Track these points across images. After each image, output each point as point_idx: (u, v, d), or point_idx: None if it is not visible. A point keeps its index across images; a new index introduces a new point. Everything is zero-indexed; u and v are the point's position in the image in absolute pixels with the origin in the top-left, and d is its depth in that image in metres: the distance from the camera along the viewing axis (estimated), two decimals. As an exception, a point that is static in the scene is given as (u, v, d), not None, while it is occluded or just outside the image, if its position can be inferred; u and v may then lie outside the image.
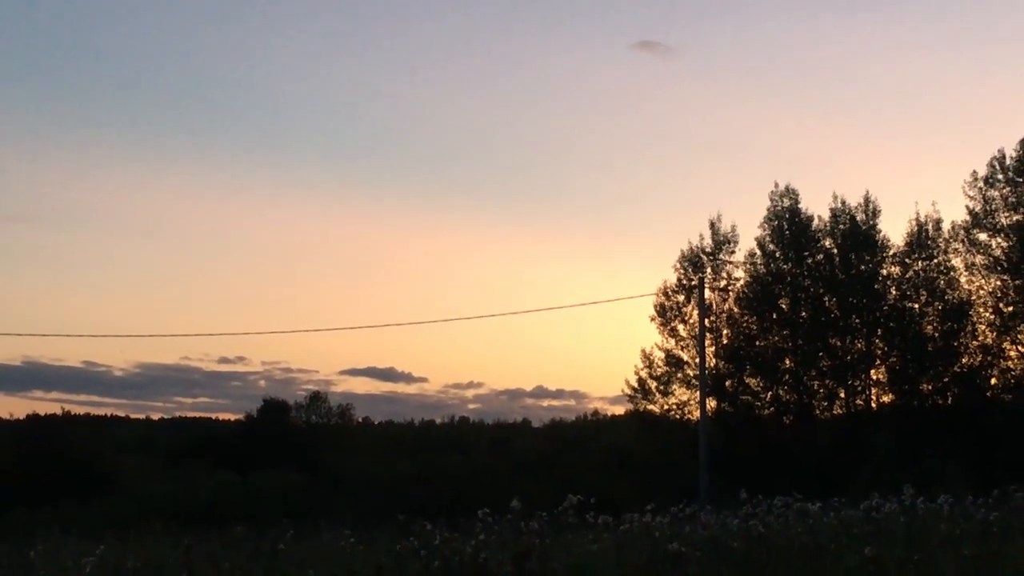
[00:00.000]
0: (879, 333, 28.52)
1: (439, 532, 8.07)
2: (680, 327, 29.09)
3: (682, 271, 29.53)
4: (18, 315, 78.10)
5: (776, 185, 29.61)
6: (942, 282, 28.03)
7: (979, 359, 27.49)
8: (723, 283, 29.57)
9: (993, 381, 27.74)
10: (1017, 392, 26.95)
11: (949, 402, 27.48)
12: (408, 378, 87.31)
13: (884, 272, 28.68)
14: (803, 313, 28.96)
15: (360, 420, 53.31)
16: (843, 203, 29.07)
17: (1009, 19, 75.53)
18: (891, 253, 28.66)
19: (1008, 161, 27.39)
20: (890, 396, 28.66)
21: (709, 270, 29.37)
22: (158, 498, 28.52)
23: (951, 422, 26.49)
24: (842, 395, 28.63)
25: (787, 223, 29.13)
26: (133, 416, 70.55)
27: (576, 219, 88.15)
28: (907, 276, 28.41)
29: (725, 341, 29.27)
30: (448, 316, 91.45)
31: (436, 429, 61.36)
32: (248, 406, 66.53)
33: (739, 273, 29.62)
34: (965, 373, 27.32)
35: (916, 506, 9.37)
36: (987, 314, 27.57)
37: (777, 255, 29.13)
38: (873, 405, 28.86)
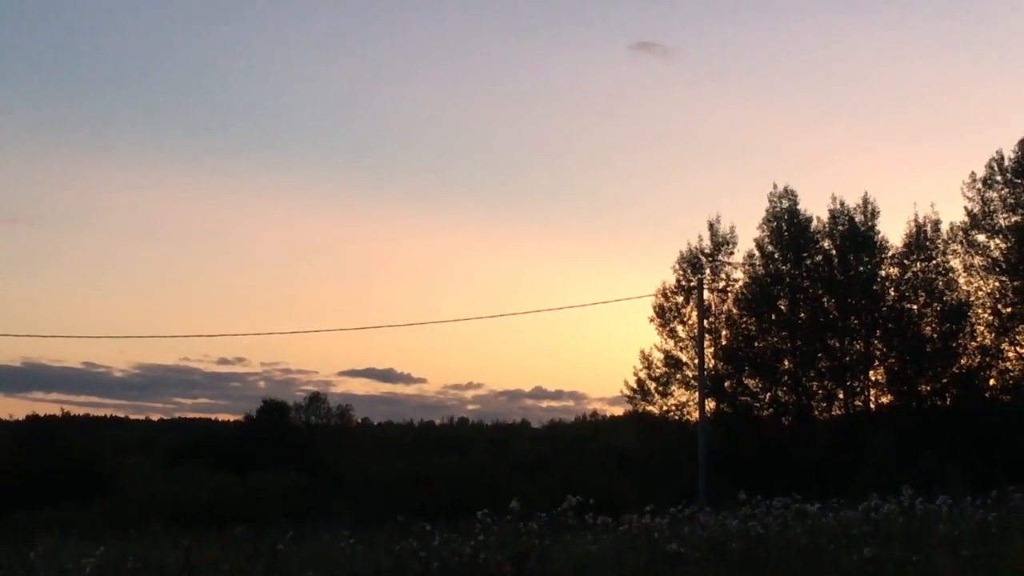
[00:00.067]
0: (878, 334, 28.54)
1: (438, 533, 8.09)
2: (679, 328, 29.11)
3: (681, 272, 29.56)
4: (18, 316, 78.21)
5: (775, 186, 29.67)
6: (941, 283, 28.06)
7: (978, 360, 27.51)
8: (722, 284, 29.60)
9: (992, 382, 27.76)
10: (1015, 393, 26.97)
11: (948, 403, 27.49)
12: (407, 379, 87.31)
13: (883, 273, 28.69)
14: (802, 314, 28.97)
15: (359, 421, 53.33)
16: (842, 204, 29.11)
17: (1007, 21, 75.72)
18: (890, 254, 28.67)
19: (1006, 162, 27.43)
20: (889, 397, 28.68)
21: (708, 271, 29.39)
22: (158, 499, 28.49)
23: (950, 423, 26.49)
24: (841, 396, 28.64)
25: (786, 224, 29.14)
26: (133, 417, 70.62)
27: (575, 220, 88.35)
28: (906, 277, 28.43)
29: (724, 342, 29.27)
30: (447, 317, 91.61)
31: (435, 430, 61.39)
32: (247, 407, 66.47)
33: (738, 274, 29.67)
34: (964, 374, 27.34)
35: (915, 507, 9.41)
36: (986, 315, 27.59)
37: (776, 256, 29.14)
38: (872, 406, 28.88)
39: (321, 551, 9.92)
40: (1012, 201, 27.26)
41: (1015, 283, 26.97)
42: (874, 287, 28.35)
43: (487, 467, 36.49)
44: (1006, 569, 7.39)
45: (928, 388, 27.73)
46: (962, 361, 27.54)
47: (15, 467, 33.92)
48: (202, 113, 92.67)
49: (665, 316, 29.26)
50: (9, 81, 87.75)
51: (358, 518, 15.64)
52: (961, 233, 27.77)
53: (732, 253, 29.58)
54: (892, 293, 28.54)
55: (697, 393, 25.11)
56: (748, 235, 30.57)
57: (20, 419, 44.63)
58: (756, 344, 28.91)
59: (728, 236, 29.57)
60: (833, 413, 28.68)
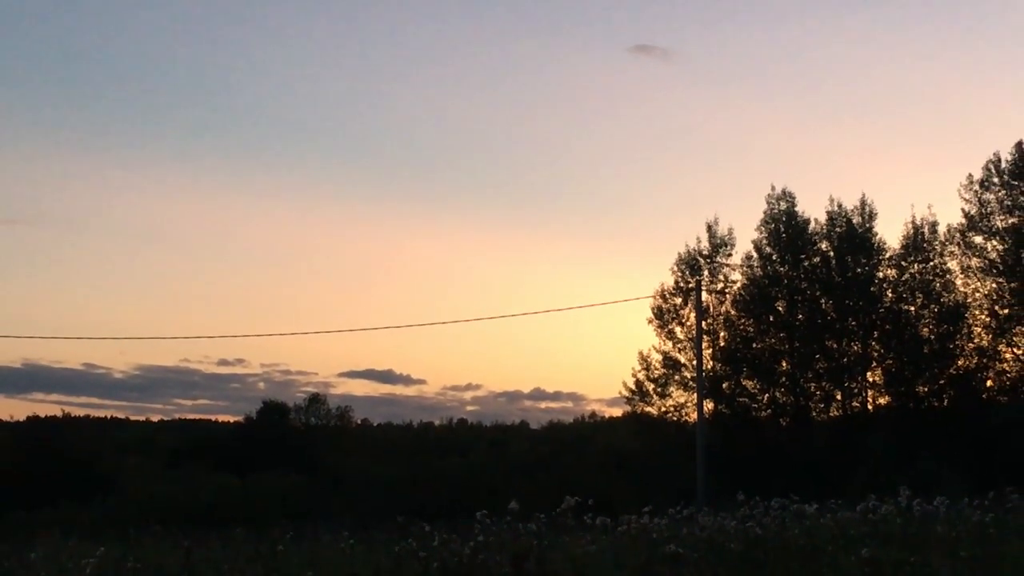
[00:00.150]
0: (875, 336, 28.60)
1: (438, 533, 8.11)
2: (677, 329, 29.18)
3: (679, 274, 29.62)
4: (18, 317, 78.22)
5: (773, 188, 29.76)
6: (938, 285, 28.13)
7: (975, 361, 27.58)
8: (720, 286, 29.67)
9: (989, 383, 27.83)
10: (1013, 394, 27.03)
11: (945, 404, 27.56)
12: (407, 380, 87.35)
13: (880, 275, 28.76)
14: (800, 316, 29.03)
15: (359, 422, 53.43)
16: (839, 206, 29.20)
17: (1005, 23, 75.89)
18: (887, 256, 28.76)
19: (1003, 164, 27.51)
20: (886, 398, 28.75)
21: (706, 273, 29.46)
22: (158, 499, 28.50)
23: (947, 424, 26.55)
24: (838, 397, 28.70)
25: (784, 226, 29.21)
26: (133, 418, 70.67)
27: (574, 222, 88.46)
28: (903, 279, 28.50)
29: (722, 343, 29.33)
30: (446, 318, 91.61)
31: (434, 431, 61.48)
32: (247, 408, 66.63)
33: (736, 276, 29.75)
34: (961, 375, 27.41)
35: (912, 508, 9.42)
36: (983, 317, 27.66)
37: (774, 258, 29.21)
38: (869, 407, 28.94)
39: (321, 552, 9.93)
40: (1009, 203, 27.35)
41: (1012, 285, 27.04)
42: (872, 289, 28.41)
43: (486, 468, 36.54)
44: (1004, 570, 7.42)
45: (926, 389, 27.80)
46: (959, 362, 27.62)
47: (15, 468, 33.97)
48: (202, 114, 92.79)
49: (663, 317, 29.32)
50: (9, 82, 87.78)
51: (358, 519, 15.67)
52: (958, 235, 27.87)
53: (730, 255, 29.71)
54: (890, 295, 28.61)
55: (695, 394, 25.14)
56: (746, 237, 30.73)
57: (20, 420, 44.87)
58: (754, 345, 28.96)
59: (726, 238, 29.68)
60: (831, 414, 28.74)
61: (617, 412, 42.53)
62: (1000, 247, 27.36)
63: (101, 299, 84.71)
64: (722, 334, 29.47)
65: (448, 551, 7.38)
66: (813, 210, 29.76)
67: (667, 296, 29.41)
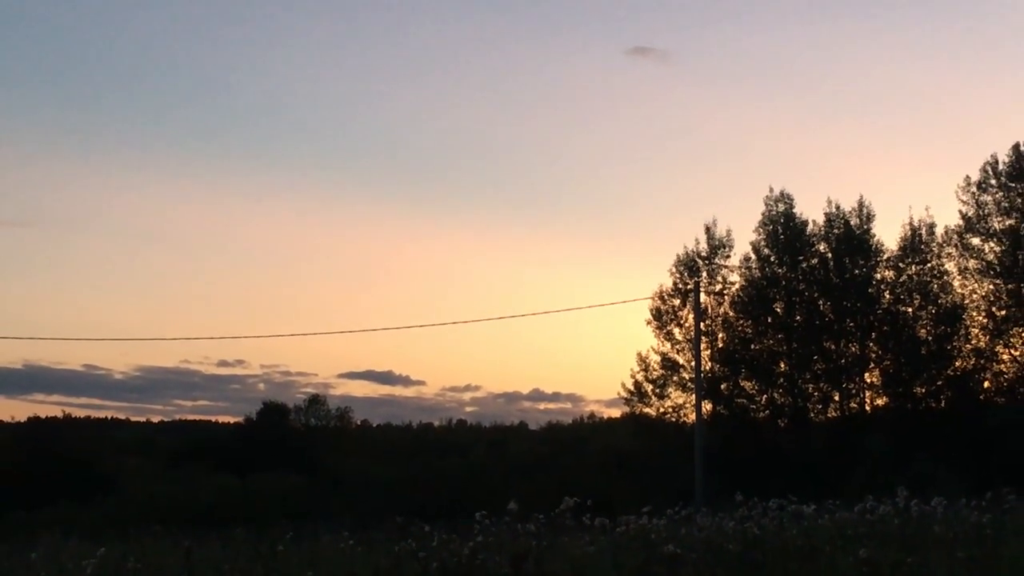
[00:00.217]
0: (873, 337, 28.67)
1: (437, 534, 8.12)
2: (676, 331, 29.23)
3: (678, 275, 29.69)
4: (19, 319, 78.28)
5: (771, 190, 29.84)
6: (935, 286, 28.21)
7: (972, 363, 27.67)
8: (718, 287, 29.73)
9: (986, 384, 27.92)
10: (1010, 395, 27.13)
11: (943, 405, 27.65)
12: (406, 381, 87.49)
13: (878, 276, 28.85)
14: (798, 317, 29.09)
15: (359, 423, 53.53)
16: (837, 208, 29.27)
17: (1002, 26, 76.07)
18: (885, 257, 28.85)
19: (1001, 166, 27.62)
20: (884, 399, 28.83)
21: (704, 274, 29.53)
22: (158, 500, 28.56)
23: (945, 425, 26.63)
24: (836, 398, 28.76)
25: (782, 228, 29.28)
26: (133, 419, 70.86)
27: (573, 223, 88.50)
28: (901, 280, 28.58)
29: (720, 345, 29.39)
30: (446, 320, 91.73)
31: (434, 432, 61.59)
32: (247, 409, 66.65)
33: (734, 277, 29.82)
34: (958, 376, 27.49)
35: (910, 508, 9.45)
36: (980, 318, 27.76)
37: (772, 259, 29.28)
38: (867, 408, 29.00)
39: (321, 552, 9.96)
40: (1006, 205, 27.45)
41: (1009, 286, 27.13)
42: (869, 290, 28.49)
43: (485, 468, 36.60)
44: (1002, 570, 7.44)
45: (923, 390, 27.88)
46: (957, 364, 27.71)
47: (16, 468, 34.08)
48: (202, 116, 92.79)
49: (662, 319, 29.37)
50: (9, 84, 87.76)
51: (357, 519, 15.68)
52: (956, 236, 27.97)
53: (728, 256, 29.77)
54: (887, 296, 28.69)
55: (694, 395, 25.19)
56: (744, 238, 30.74)
57: (21, 421, 45.09)
58: (752, 346, 29.03)
59: (724, 239, 29.75)
60: (829, 415, 28.81)
61: (616, 413, 42.58)
62: (997, 249, 27.46)
63: (101, 300, 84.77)
64: (720, 335, 29.53)
65: (447, 551, 7.40)
66: (811, 212, 29.90)
67: (666, 297, 29.50)
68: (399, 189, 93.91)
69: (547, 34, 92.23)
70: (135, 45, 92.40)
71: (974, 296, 27.86)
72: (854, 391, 28.85)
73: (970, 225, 27.71)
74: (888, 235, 32.57)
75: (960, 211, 27.87)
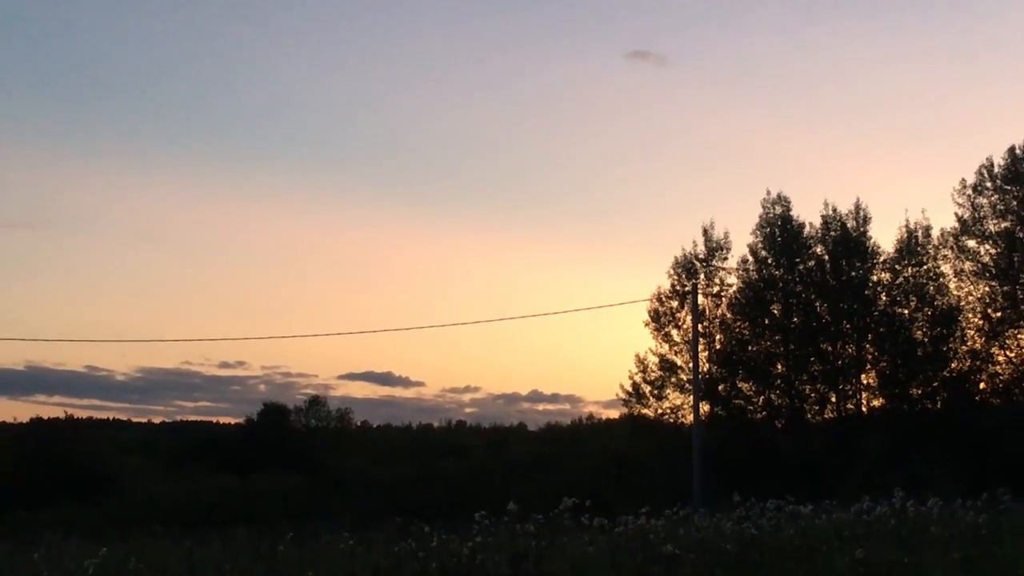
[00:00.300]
0: (869, 338, 28.76)
1: (437, 534, 8.15)
2: (674, 332, 29.30)
3: (676, 277, 29.75)
4: (21, 320, 78.28)
5: (768, 192, 29.92)
6: (931, 288, 28.31)
7: (968, 364, 27.77)
8: (716, 289, 29.80)
9: (982, 386, 28.02)
10: (1005, 396, 27.23)
11: (939, 406, 27.73)
12: (406, 382, 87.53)
13: (874, 278, 28.94)
14: (795, 318, 29.18)
15: (359, 424, 53.60)
16: (834, 210, 29.37)
17: (999, 29, 76.33)
18: (881, 260, 28.94)
19: (996, 169, 27.74)
20: (880, 400, 28.90)
21: (702, 276, 29.61)
22: (159, 500, 28.62)
23: (941, 426, 26.73)
24: (833, 399, 28.85)
25: (779, 230, 29.36)
26: (135, 420, 70.93)
27: (572, 226, 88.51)
28: (897, 282, 28.68)
29: (718, 346, 29.47)
30: (445, 321, 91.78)
31: (433, 432, 61.57)
32: (248, 410, 66.46)
33: (732, 279, 29.89)
34: (954, 378, 27.59)
35: (906, 509, 9.51)
36: (976, 319, 27.87)
37: (769, 261, 29.36)
38: (864, 409, 29.08)
39: (321, 552, 9.99)
40: (1002, 207, 27.57)
41: (1004, 288, 27.25)
42: (866, 292, 28.58)
43: (484, 469, 36.64)
44: (997, 570, 7.51)
45: (919, 392, 27.97)
46: (953, 365, 27.81)
47: (18, 469, 34.20)
48: (203, 117, 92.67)
49: (660, 320, 29.44)
50: (11, 86, 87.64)
51: (357, 519, 15.73)
52: (952, 239, 28.08)
53: (726, 258, 29.85)
54: (884, 298, 28.78)
55: (692, 396, 25.27)
56: (742, 240, 30.80)
57: (23, 422, 45.05)
58: (750, 348, 29.10)
59: (722, 241, 29.83)
60: (826, 416, 28.88)
61: (614, 414, 42.56)
62: (993, 251, 27.57)
63: (103, 302, 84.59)
64: (718, 337, 29.60)
65: (447, 552, 7.44)
66: (808, 214, 29.97)
67: (664, 299, 29.57)
68: (399, 191, 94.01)
69: (546, 37, 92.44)
70: (136, 48, 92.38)
71: (970, 298, 27.98)
72: (851, 392, 28.93)
73: (966, 227, 27.82)
74: (884, 237, 32.78)
75: (956, 214, 28.04)
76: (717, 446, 26.33)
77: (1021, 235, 27.13)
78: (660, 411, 29.42)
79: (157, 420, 73.61)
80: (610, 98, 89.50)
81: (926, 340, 27.97)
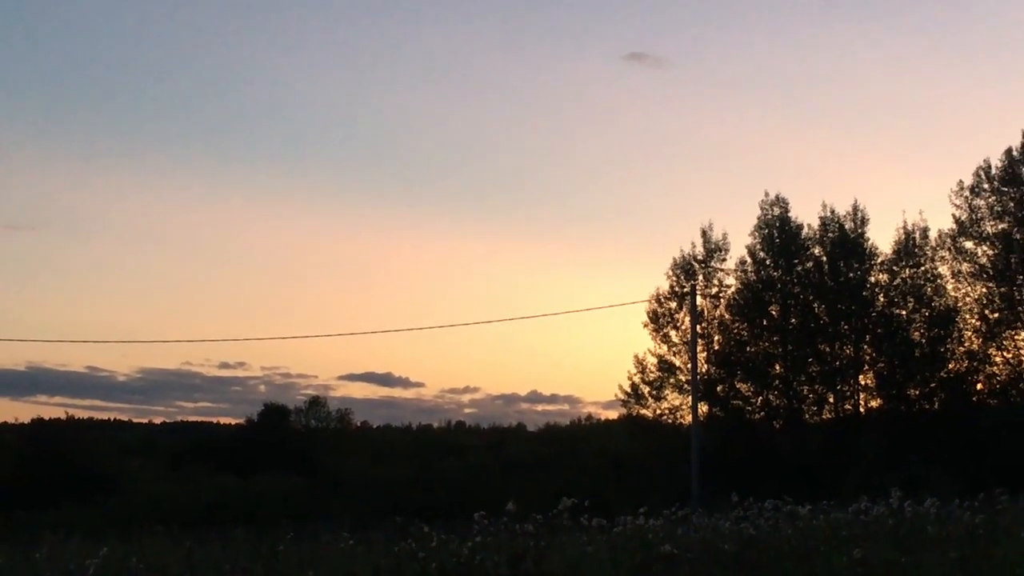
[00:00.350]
0: (867, 339, 28.82)
1: (436, 534, 8.18)
2: (672, 333, 29.34)
3: (674, 278, 29.79)
4: (22, 321, 78.17)
5: (766, 194, 29.96)
6: (929, 289, 28.38)
7: (965, 365, 27.82)
8: (714, 290, 29.85)
9: (979, 387, 28.07)
10: (1002, 397, 27.30)
11: (936, 407, 27.78)
12: (405, 383, 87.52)
13: (872, 279, 29.00)
14: (793, 320, 29.23)
15: (359, 424, 53.61)
16: (832, 212, 29.42)
17: (997, 31, 76.50)
18: (879, 261, 28.99)
19: (993, 171, 27.78)
20: (878, 401, 28.96)
21: (701, 277, 29.65)
22: (160, 501, 28.65)
23: (938, 427, 26.79)
24: (831, 400, 28.90)
25: (777, 231, 29.42)
26: (135, 420, 70.92)
27: (570, 227, 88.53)
28: (895, 283, 28.74)
29: (716, 347, 29.51)
30: (445, 322, 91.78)
31: (433, 433, 61.58)
32: (248, 410, 66.46)
33: (730, 280, 29.92)
34: (952, 379, 27.65)
35: (904, 509, 9.54)
36: (973, 321, 27.92)
37: (767, 263, 29.41)
38: (861, 410, 29.14)
39: (321, 552, 10.02)
40: (999, 209, 27.63)
41: (1002, 289, 27.31)
42: (864, 293, 28.64)
43: (484, 469, 36.69)
44: (994, 570, 7.55)
45: (917, 392, 28.02)
46: (950, 366, 27.86)
47: (20, 469, 34.25)
48: (203, 119, 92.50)
49: (659, 321, 29.49)
50: (12, 87, 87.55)
51: (357, 519, 15.79)
52: (949, 240, 28.13)
53: (724, 259, 29.88)
54: (881, 299, 28.84)
55: (690, 397, 25.31)
56: (740, 242, 30.85)
57: (25, 422, 45.16)
58: (748, 349, 29.15)
59: (720, 243, 29.88)
60: (824, 417, 28.94)
61: (613, 414, 42.61)
62: (990, 252, 27.63)
63: (104, 303, 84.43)
64: (716, 338, 29.65)
65: (446, 552, 7.47)
66: (806, 215, 29.99)
67: (662, 300, 29.61)
68: (399, 192, 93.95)
69: (545, 39, 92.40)
70: (136, 47, 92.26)
71: (967, 299, 28.04)
72: (848, 393, 28.99)
73: (963, 229, 27.88)
74: (882, 239, 32.66)
75: (953, 215, 28.08)
76: (715, 447, 26.38)
77: (1018, 236, 27.20)
78: (659, 412, 29.47)
79: (158, 420, 73.67)
80: (608, 100, 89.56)
81: (924, 341, 28.03)
